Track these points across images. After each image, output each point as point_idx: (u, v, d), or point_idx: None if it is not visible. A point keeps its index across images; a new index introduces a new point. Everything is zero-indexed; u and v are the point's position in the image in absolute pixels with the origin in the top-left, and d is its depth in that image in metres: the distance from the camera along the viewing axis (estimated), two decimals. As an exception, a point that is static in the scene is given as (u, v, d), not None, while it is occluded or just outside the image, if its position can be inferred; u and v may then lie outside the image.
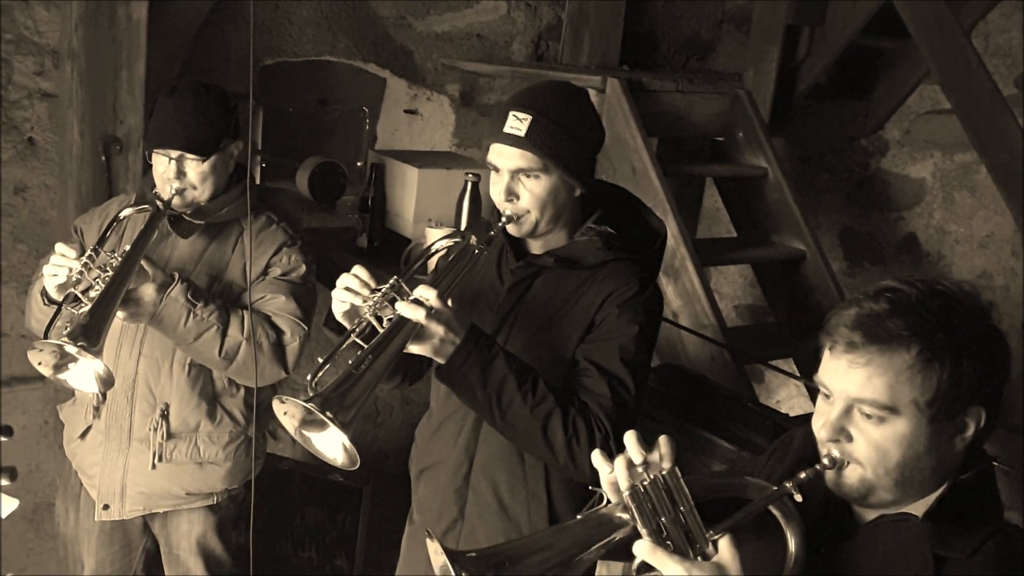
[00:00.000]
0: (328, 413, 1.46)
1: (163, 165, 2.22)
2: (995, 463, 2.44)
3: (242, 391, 2.37)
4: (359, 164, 3.71)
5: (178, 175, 2.21)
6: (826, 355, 1.24)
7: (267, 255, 2.31)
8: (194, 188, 2.24)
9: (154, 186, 2.27)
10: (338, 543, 3.32)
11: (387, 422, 3.91)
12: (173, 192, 2.21)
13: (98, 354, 1.90)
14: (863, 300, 1.22)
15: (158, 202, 2.22)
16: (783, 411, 3.09)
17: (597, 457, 1.30)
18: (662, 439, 1.26)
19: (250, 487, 2.37)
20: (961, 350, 1.17)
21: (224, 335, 2.19)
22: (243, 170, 2.35)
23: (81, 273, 1.99)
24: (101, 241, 2.11)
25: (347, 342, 1.63)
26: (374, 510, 3.34)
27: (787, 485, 1.22)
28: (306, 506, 3.31)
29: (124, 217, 2.23)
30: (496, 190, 1.81)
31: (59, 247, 2.06)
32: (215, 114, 2.24)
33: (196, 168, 2.22)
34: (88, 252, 2.03)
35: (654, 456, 1.25)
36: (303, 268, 2.33)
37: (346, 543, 3.32)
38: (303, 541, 3.33)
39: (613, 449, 1.48)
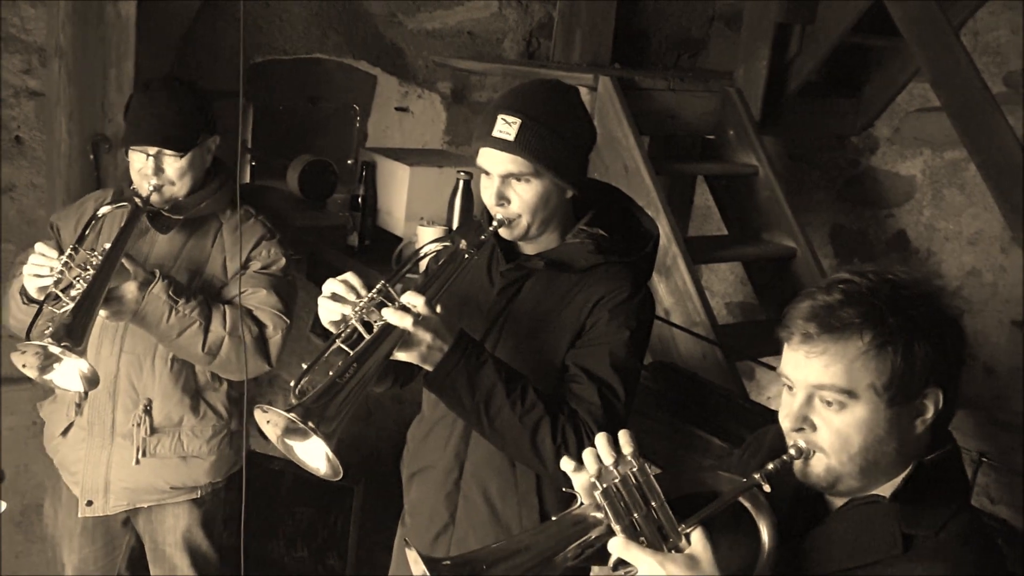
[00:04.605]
0: (310, 423, 1.44)
1: (141, 162, 2.23)
2: (984, 458, 2.46)
3: (225, 385, 2.39)
4: (350, 162, 3.70)
5: (156, 171, 2.22)
6: (785, 348, 1.28)
7: (247, 249, 2.33)
8: (172, 184, 2.25)
9: (132, 183, 2.28)
10: (330, 542, 3.32)
11: (379, 421, 3.90)
12: (151, 188, 2.22)
13: (82, 353, 1.91)
14: (817, 292, 1.26)
15: (137, 199, 2.23)
16: (774, 407, 3.09)
17: (566, 462, 1.31)
18: (621, 435, 1.28)
19: (233, 481, 2.38)
20: (912, 333, 1.20)
21: (207, 330, 2.21)
22: (221, 164, 2.37)
23: (62, 272, 2.00)
24: (80, 239, 2.11)
25: (332, 348, 1.60)
26: (366, 509, 3.33)
27: (755, 476, 1.25)
28: (297, 505, 3.31)
29: (102, 215, 2.23)
30: (487, 194, 1.79)
31: (38, 246, 2.07)
32: (191, 109, 2.25)
33: (174, 164, 2.23)
34: (68, 251, 2.03)
35: (623, 451, 1.28)
36: (283, 261, 2.36)
37: (338, 542, 3.31)
38: (295, 541, 3.32)
39: None
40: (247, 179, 3.59)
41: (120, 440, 2.33)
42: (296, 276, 2.43)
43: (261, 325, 2.28)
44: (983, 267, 3.67)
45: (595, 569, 2.36)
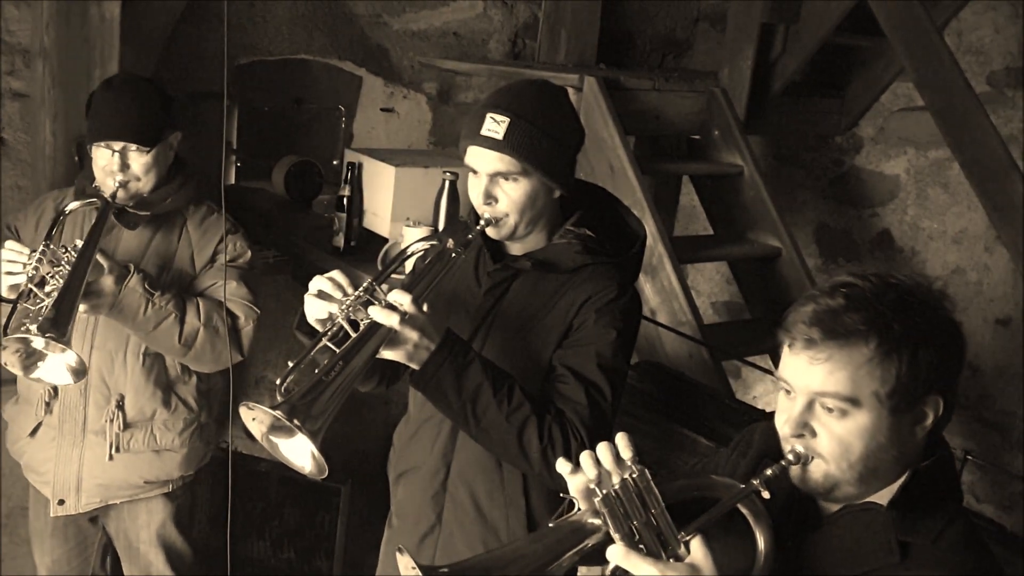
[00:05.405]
0: (295, 421, 1.43)
1: (105, 158, 2.23)
2: (969, 456, 2.47)
3: (194, 378, 2.41)
4: (335, 163, 3.70)
5: (122, 167, 2.22)
6: (786, 352, 1.25)
7: (213, 243, 2.35)
8: (138, 180, 2.25)
9: (93, 180, 2.27)
10: (317, 544, 3.31)
11: (366, 421, 3.89)
12: (116, 185, 2.22)
13: (68, 344, 1.91)
14: (819, 296, 1.23)
15: (104, 195, 2.23)
16: (760, 407, 3.10)
17: (562, 464, 1.30)
18: (620, 439, 1.26)
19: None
20: (917, 341, 1.19)
21: (182, 322, 2.23)
22: (184, 161, 2.38)
23: (36, 267, 2.00)
24: (49, 236, 2.11)
25: (318, 346, 1.59)
26: (353, 510, 3.33)
27: (754, 483, 1.23)
28: (284, 507, 3.30)
29: (70, 211, 2.23)
30: (475, 193, 1.79)
31: (9, 244, 2.07)
32: (155, 105, 2.27)
33: (140, 159, 2.23)
34: (40, 247, 2.03)
35: (623, 456, 1.25)
36: (248, 254, 2.40)
37: (325, 543, 3.31)
38: (281, 542, 3.32)
39: None
40: (232, 180, 3.58)
41: (92, 437, 2.34)
42: (260, 269, 2.48)
43: (233, 316, 2.31)
44: (967, 266, 3.69)
45: (583, 569, 2.36)
